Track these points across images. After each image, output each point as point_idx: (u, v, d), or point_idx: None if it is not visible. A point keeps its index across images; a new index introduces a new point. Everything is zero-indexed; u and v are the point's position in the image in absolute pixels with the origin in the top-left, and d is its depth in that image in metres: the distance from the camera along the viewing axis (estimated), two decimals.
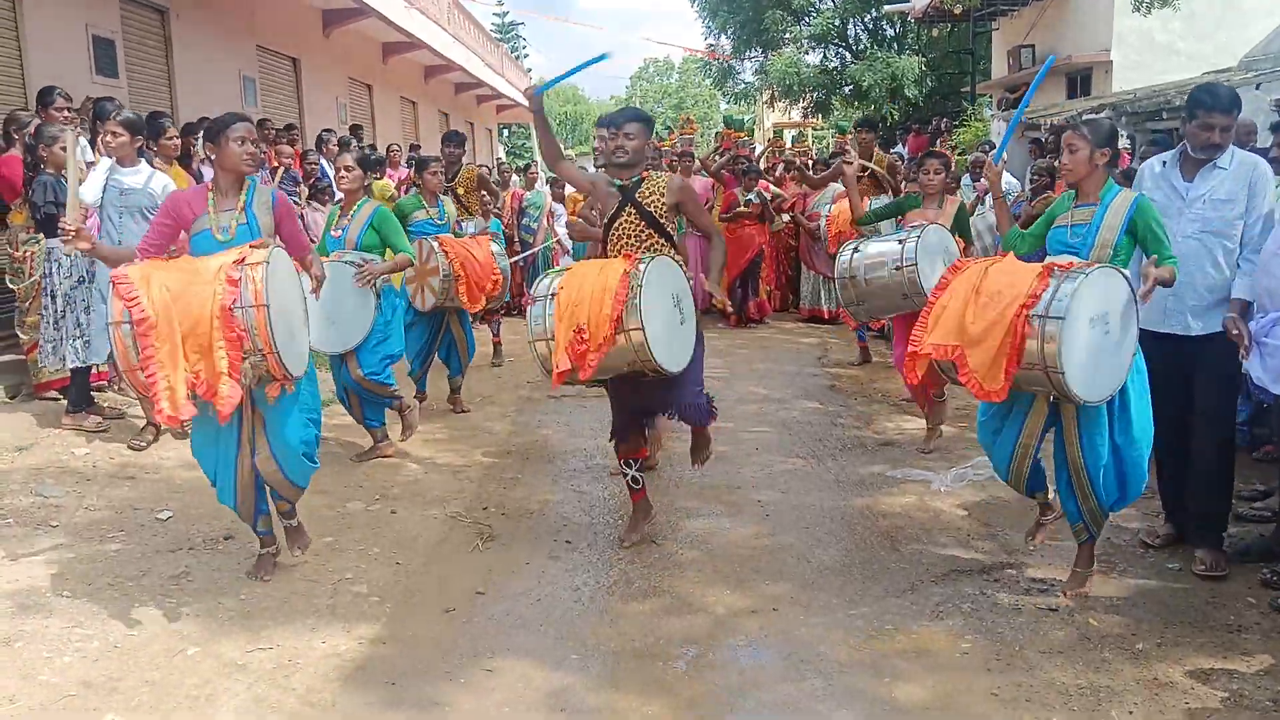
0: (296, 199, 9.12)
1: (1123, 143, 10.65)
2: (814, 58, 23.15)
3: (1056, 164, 6.92)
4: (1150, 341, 3.91)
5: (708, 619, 3.85)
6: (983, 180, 10.63)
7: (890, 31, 23.40)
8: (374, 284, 5.53)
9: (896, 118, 20.47)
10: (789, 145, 17.62)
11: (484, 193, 8.71)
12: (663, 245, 4.44)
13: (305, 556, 4.27)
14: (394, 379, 5.85)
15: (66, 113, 6.45)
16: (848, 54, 23.27)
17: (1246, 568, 4.11)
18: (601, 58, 4.68)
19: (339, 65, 16.20)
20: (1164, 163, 4.22)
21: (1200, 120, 3.97)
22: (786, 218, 11.25)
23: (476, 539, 4.66)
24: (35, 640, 3.60)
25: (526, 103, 5.02)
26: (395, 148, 12.71)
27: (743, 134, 13.98)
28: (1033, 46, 17.73)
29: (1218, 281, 4.02)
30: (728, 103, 31.52)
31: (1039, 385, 3.73)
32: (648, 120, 4.57)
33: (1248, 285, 3.88)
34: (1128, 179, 4.76)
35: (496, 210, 9.82)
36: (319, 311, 4.42)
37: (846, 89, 22.31)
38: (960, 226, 5.98)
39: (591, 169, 12.24)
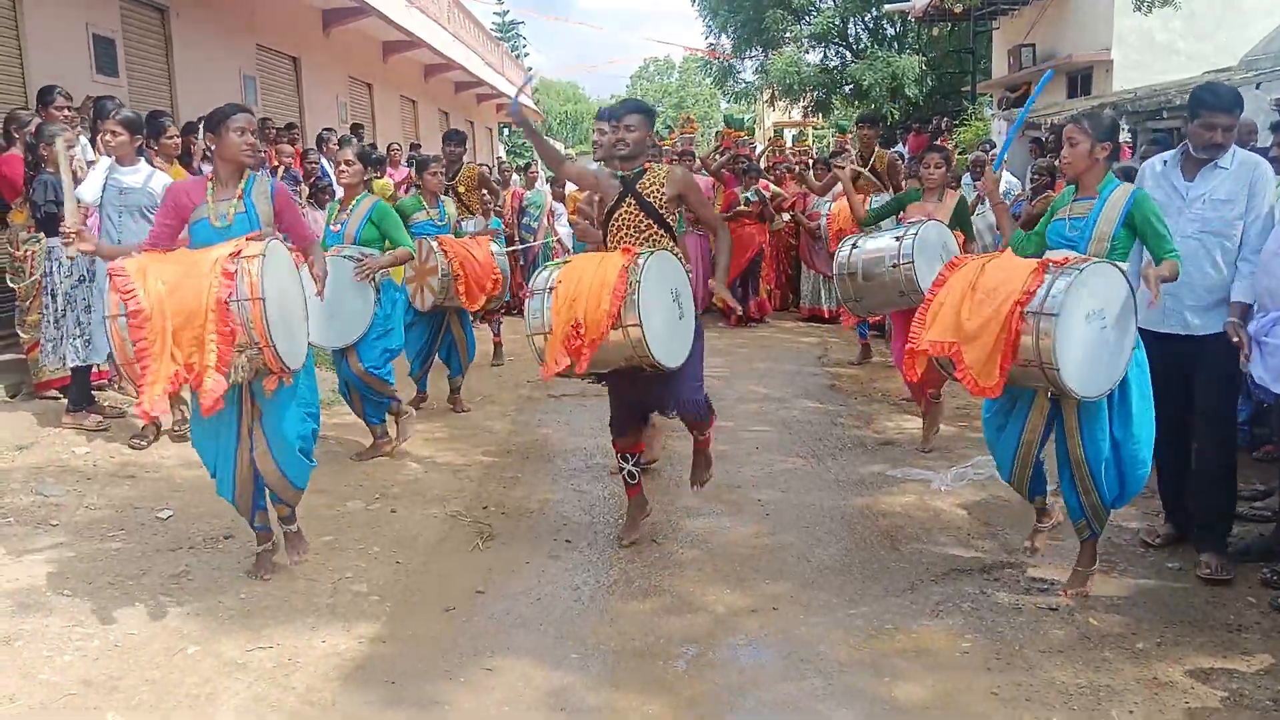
0: (297, 198, 9.11)
1: (1124, 137, 10.66)
2: (814, 57, 23.18)
3: (1057, 163, 6.92)
4: (1150, 341, 3.90)
5: (708, 618, 3.85)
6: (983, 181, 10.65)
7: (891, 30, 23.41)
8: (373, 278, 5.53)
9: (897, 117, 20.49)
10: (789, 145, 17.61)
11: (485, 191, 8.70)
12: (662, 237, 4.40)
13: (305, 556, 4.27)
14: (394, 378, 5.84)
15: (67, 112, 6.45)
16: (848, 53, 23.29)
17: (1246, 567, 4.10)
18: (529, 79, 4.98)
19: (339, 64, 16.20)
20: (1165, 162, 4.22)
21: (1203, 120, 3.97)
22: (787, 217, 11.25)
23: (476, 538, 4.66)
24: (35, 639, 3.60)
25: (527, 104, 5.06)
26: (395, 147, 12.71)
27: (743, 133, 13.98)
28: (1033, 46, 17.74)
29: (1216, 281, 4.01)
30: (728, 102, 31.54)
31: (1036, 381, 3.74)
32: (648, 111, 4.53)
33: (1247, 287, 3.87)
34: (1128, 175, 4.75)
35: (497, 209, 9.82)
36: (319, 306, 4.41)
37: (847, 88, 22.33)
38: (961, 220, 5.96)
39: (590, 166, 12.24)
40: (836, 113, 23.27)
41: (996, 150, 11.89)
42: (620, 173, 4.44)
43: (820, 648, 3.59)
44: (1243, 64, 11.00)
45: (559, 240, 11.54)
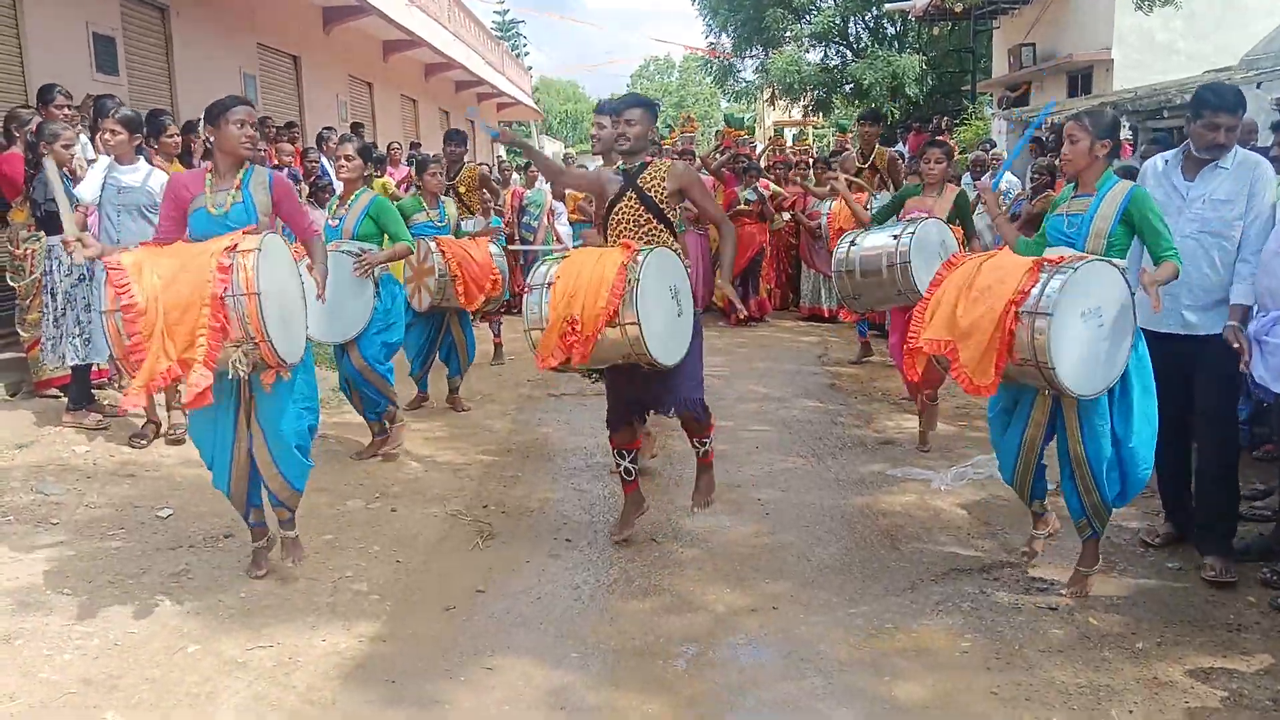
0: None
1: (1124, 134, 10.65)
2: (815, 56, 23.19)
3: (1057, 162, 6.92)
4: (1149, 341, 3.90)
5: (708, 617, 3.85)
6: (983, 180, 10.65)
7: (891, 30, 23.42)
8: (372, 273, 5.53)
9: (897, 116, 20.48)
10: (790, 144, 17.62)
11: (485, 192, 8.70)
12: (661, 232, 4.36)
13: (300, 563, 4.20)
14: (394, 377, 5.84)
15: (67, 110, 6.44)
16: (848, 52, 23.30)
17: (1246, 567, 4.10)
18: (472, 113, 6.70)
19: (339, 63, 16.20)
20: (1165, 161, 4.22)
21: (1206, 120, 3.96)
22: (787, 216, 11.25)
23: (476, 537, 4.66)
24: (35, 638, 3.60)
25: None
26: (396, 146, 12.71)
27: (743, 132, 13.99)
28: (1034, 45, 17.73)
29: (1215, 282, 4.01)
30: (728, 101, 31.54)
31: (1033, 380, 3.75)
32: (649, 105, 4.47)
33: (1247, 289, 3.86)
34: (1129, 174, 4.75)
35: (498, 208, 9.82)
36: (318, 303, 4.39)
37: (847, 87, 22.33)
38: (961, 214, 5.96)
39: (591, 165, 12.25)
40: (837, 112, 23.28)
41: (997, 151, 11.90)
42: (622, 165, 4.42)
43: (820, 647, 3.59)
44: (1243, 63, 10.99)
45: (559, 239, 11.55)
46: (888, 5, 21.40)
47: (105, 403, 6.28)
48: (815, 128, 28.50)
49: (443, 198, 6.98)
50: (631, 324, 3.97)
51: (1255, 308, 3.81)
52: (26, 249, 6.00)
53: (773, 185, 11.25)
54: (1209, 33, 15.43)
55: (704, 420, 4.52)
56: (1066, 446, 3.89)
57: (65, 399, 6.15)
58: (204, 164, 4.43)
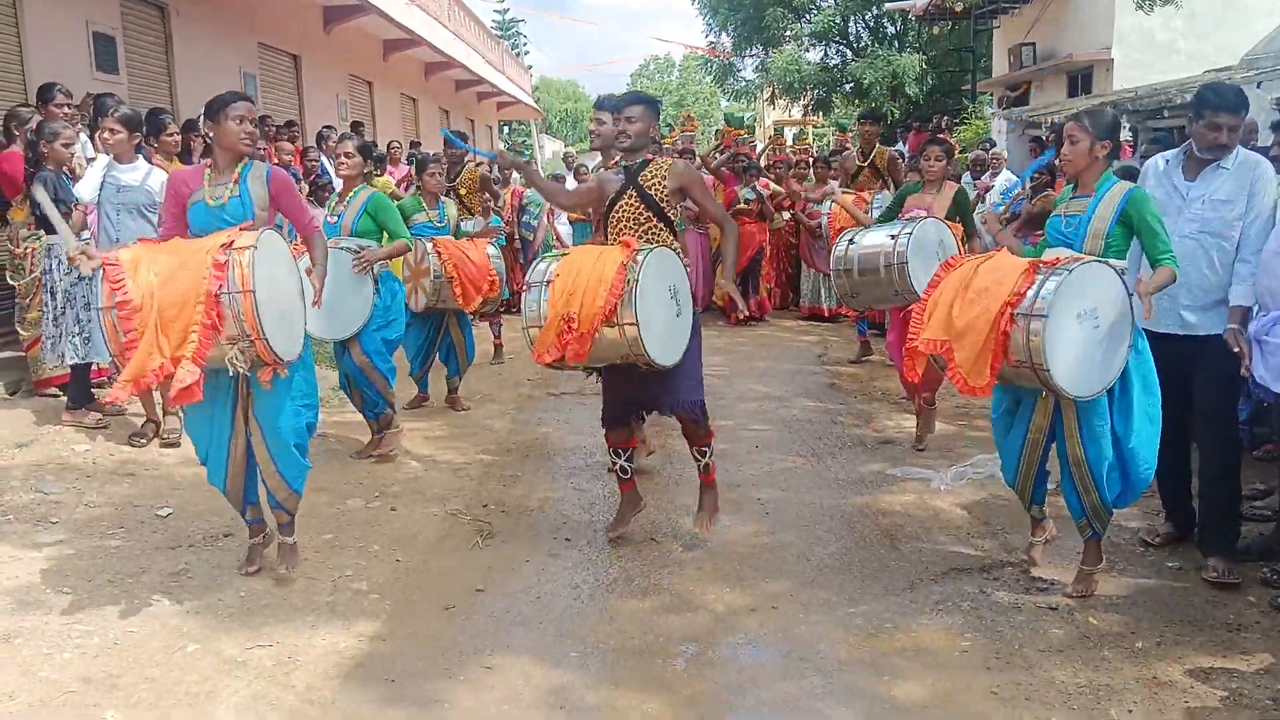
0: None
1: (1125, 134, 10.65)
2: (815, 55, 23.21)
3: (1057, 162, 6.93)
4: (1149, 341, 3.90)
5: (707, 617, 3.85)
6: (983, 179, 10.65)
7: (891, 29, 23.43)
8: (371, 269, 5.53)
9: (897, 115, 20.49)
10: (790, 143, 17.61)
11: (486, 194, 8.70)
12: (661, 230, 4.34)
13: (294, 571, 4.15)
14: (395, 378, 5.83)
15: (66, 109, 6.44)
16: (849, 51, 23.31)
17: (1246, 567, 4.10)
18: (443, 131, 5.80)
19: (339, 62, 16.19)
20: (1167, 160, 4.21)
21: (1208, 120, 3.95)
22: (787, 215, 11.25)
23: (476, 536, 4.66)
24: (35, 637, 3.60)
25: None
26: (396, 145, 12.71)
27: (743, 131, 13.97)
28: (1034, 45, 17.74)
29: (1214, 282, 4.00)
30: (728, 100, 31.53)
31: (1030, 382, 3.75)
32: (650, 102, 4.44)
33: (1247, 290, 3.85)
34: (1130, 175, 4.75)
35: (498, 210, 9.82)
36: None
37: (847, 86, 22.35)
38: (961, 212, 5.95)
39: (591, 163, 12.25)
40: (837, 111, 23.28)
41: (997, 150, 11.89)
42: (625, 163, 4.42)
43: (820, 646, 3.59)
44: (1243, 63, 10.99)
45: (559, 239, 11.55)
46: (888, 4, 21.40)
47: (105, 402, 6.28)
48: (815, 127, 28.49)
49: (443, 198, 6.98)
50: (630, 324, 3.95)
51: (1255, 308, 3.81)
52: (26, 247, 5.99)
53: (772, 184, 11.25)
54: (1209, 32, 15.43)
55: (701, 421, 4.45)
56: (1065, 448, 3.89)
57: (65, 398, 6.15)
58: (203, 161, 4.43)
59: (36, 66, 8.46)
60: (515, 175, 13.11)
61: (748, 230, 10.55)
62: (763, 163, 12.10)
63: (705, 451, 4.49)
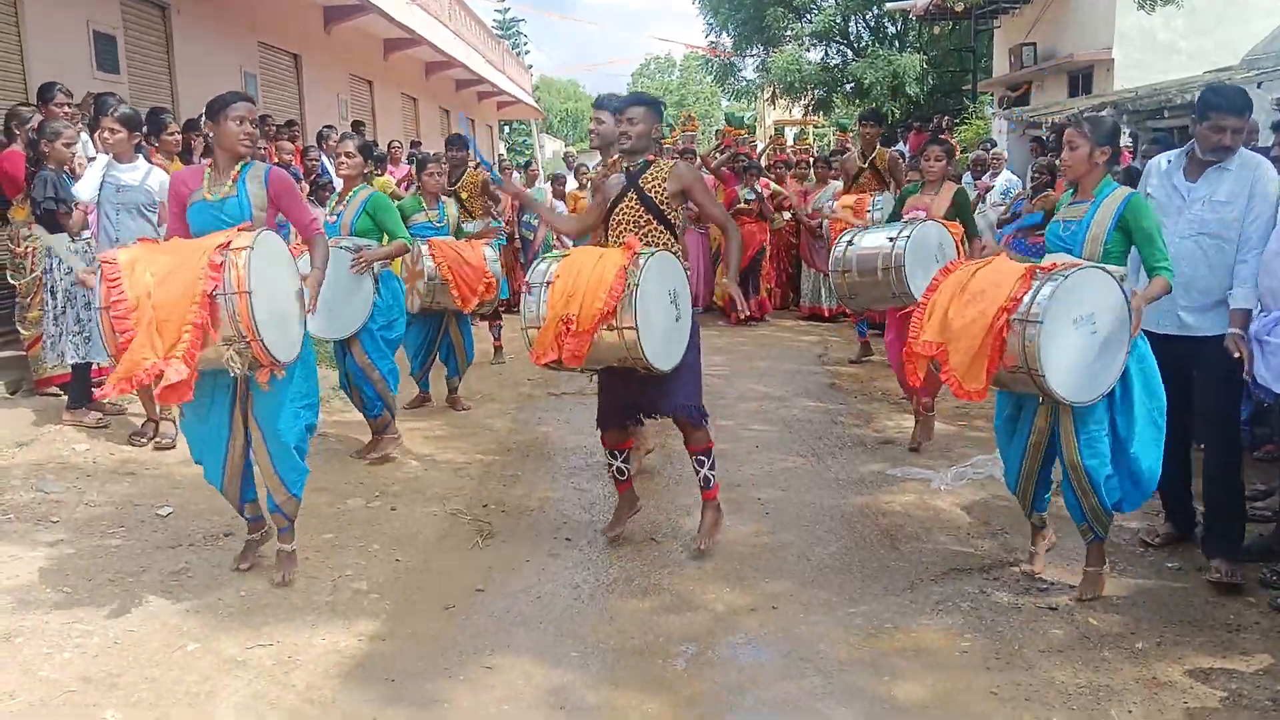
0: None
1: (1124, 140, 10.65)
2: (815, 55, 23.21)
3: (1057, 162, 6.92)
4: (1149, 343, 3.90)
5: (707, 617, 3.85)
6: (983, 179, 10.65)
7: (892, 29, 23.43)
8: (370, 269, 5.53)
9: (898, 115, 20.50)
10: (790, 143, 17.61)
11: (487, 199, 8.69)
12: (662, 233, 4.33)
13: (290, 579, 4.09)
14: (398, 380, 5.82)
15: (67, 108, 6.44)
16: (849, 51, 23.31)
17: (1247, 567, 4.10)
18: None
19: (340, 62, 16.20)
20: (1169, 161, 4.21)
21: (1211, 122, 3.94)
22: (788, 215, 11.25)
23: (476, 536, 4.66)
24: (35, 636, 3.60)
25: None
26: (396, 144, 12.71)
27: (744, 131, 13.97)
28: (1034, 44, 17.74)
29: (1213, 283, 4.00)
30: (729, 100, 31.50)
31: (1026, 387, 3.76)
32: (652, 104, 4.42)
33: (1249, 293, 3.84)
34: (1130, 179, 4.74)
35: (498, 215, 9.83)
36: (319, 298, 4.36)
37: (848, 86, 22.36)
38: (961, 212, 5.95)
39: (591, 163, 12.25)
40: (837, 111, 23.29)
41: (997, 150, 11.89)
42: (626, 164, 4.40)
43: (820, 646, 3.59)
44: (1244, 63, 10.99)
45: (559, 239, 11.52)
46: (889, 4, 21.39)
47: (105, 401, 6.28)
48: (816, 127, 28.50)
49: (443, 198, 6.97)
50: (629, 328, 3.94)
51: (1257, 308, 3.80)
52: (27, 246, 6.00)
53: (773, 184, 11.25)
54: (1209, 31, 15.41)
55: (699, 424, 4.37)
56: (1063, 454, 3.89)
57: (65, 397, 6.15)
58: (204, 161, 4.43)
59: (37, 66, 8.46)
60: (516, 175, 13.17)
61: (748, 230, 10.55)
62: (763, 163, 12.09)
63: (704, 461, 4.41)
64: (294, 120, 12.16)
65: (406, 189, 9.24)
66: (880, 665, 3.46)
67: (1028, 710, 3.16)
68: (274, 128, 10.19)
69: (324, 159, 10.13)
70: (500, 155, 26.15)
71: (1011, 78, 18.42)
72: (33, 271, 6.00)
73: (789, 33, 22.45)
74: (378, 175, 9.61)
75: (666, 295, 4.16)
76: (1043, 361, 3.57)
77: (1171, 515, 4.47)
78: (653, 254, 4.10)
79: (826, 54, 23.45)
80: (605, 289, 3.92)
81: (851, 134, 11.39)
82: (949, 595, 3.97)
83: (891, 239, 5.57)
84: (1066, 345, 3.61)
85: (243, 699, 3.23)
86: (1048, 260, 3.86)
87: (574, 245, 6.02)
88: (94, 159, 5.98)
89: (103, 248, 5.51)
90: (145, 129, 6.46)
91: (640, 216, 4.33)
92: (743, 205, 10.64)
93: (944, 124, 16.13)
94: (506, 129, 37.21)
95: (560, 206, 11.71)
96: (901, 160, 9.27)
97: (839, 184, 9.90)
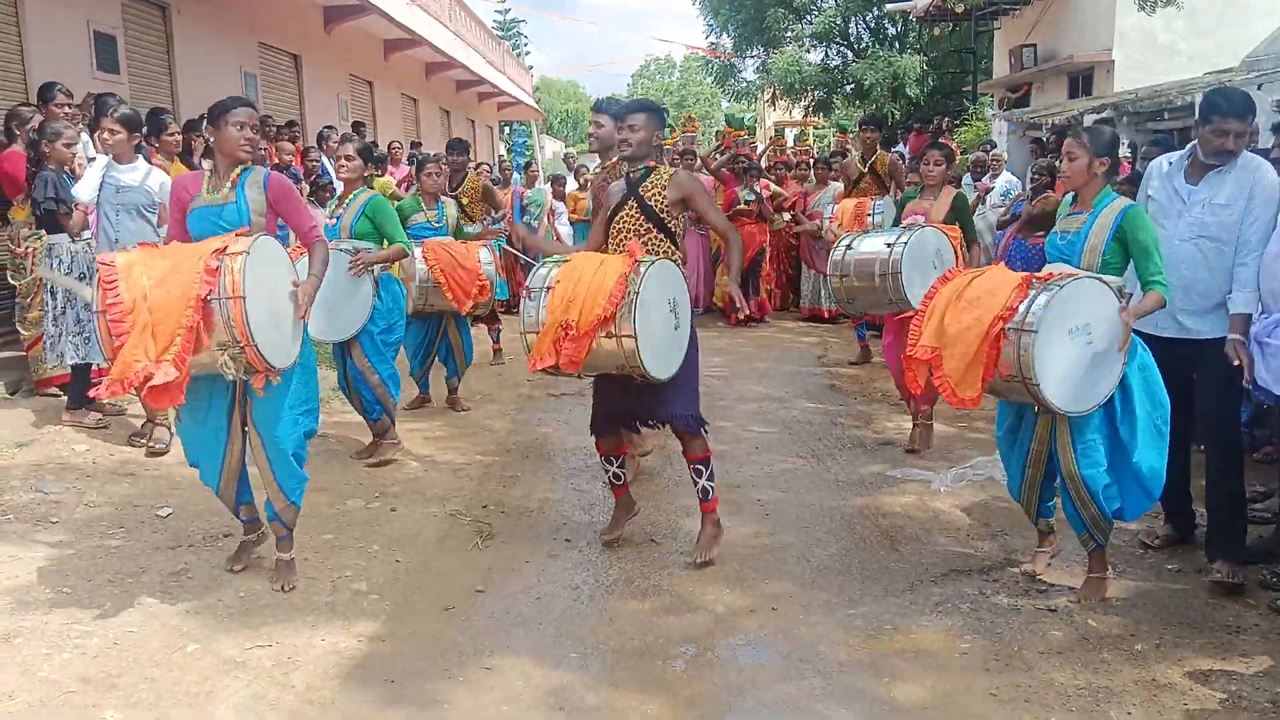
0: None
1: (1123, 151, 10.64)
2: (815, 56, 23.22)
3: (1057, 163, 6.93)
4: (1148, 345, 3.90)
5: (707, 618, 3.85)
6: (983, 180, 10.65)
7: (892, 30, 23.45)
8: (370, 272, 5.53)
9: (898, 117, 20.51)
10: (790, 144, 17.62)
11: (488, 204, 8.70)
12: (662, 241, 4.31)
13: (289, 587, 4.07)
14: (399, 385, 5.82)
15: (67, 109, 6.44)
16: (849, 52, 23.33)
17: (1246, 569, 4.10)
18: None
19: (340, 62, 16.20)
20: (1170, 163, 4.20)
21: (1214, 125, 3.93)
22: (787, 216, 11.25)
23: (476, 537, 4.66)
24: (35, 636, 3.60)
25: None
26: (396, 145, 12.72)
27: (744, 132, 13.99)
28: (1034, 46, 17.74)
29: (1213, 286, 3.99)
30: (729, 101, 31.54)
31: (1020, 396, 3.76)
32: (654, 110, 4.41)
33: (1249, 297, 3.84)
34: (1132, 184, 4.74)
35: (498, 218, 9.84)
36: (319, 300, 4.37)
37: (848, 88, 22.37)
38: (960, 217, 5.94)
39: (591, 165, 12.26)
40: (837, 112, 23.31)
41: (997, 152, 11.89)
42: (626, 171, 4.40)
43: (819, 648, 3.59)
44: (1244, 64, 10.99)
45: (559, 239, 11.55)
46: (889, 6, 21.41)
47: (105, 402, 6.28)
48: (816, 128, 28.51)
49: (442, 198, 6.97)
50: (628, 336, 3.92)
51: (1258, 310, 3.80)
52: (27, 247, 6.00)
53: (773, 186, 11.25)
54: (1210, 33, 15.42)
55: (696, 433, 4.31)
56: (1060, 463, 3.88)
57: (65, 397, 6.15)
58: (205, 163, 4.44)
59: (37, 66, 8.46)
60: (516, 176, 13.17)
61: (748, 231, 10.55)
62: (763, 164, 12.10)
63: (702, 470, 4.33)
64: (294, 121, 12.17)
65: (407, 190, 9.24)
66: (880, 666, 3.46)
67: (1027, 712, 3.16)
68: (274, 128, 10.19)
69: (324, 160, 10.14)
70: (501, 156, 26.15)
71: (1012, 79, 18.43)
72: (33, 272, 6.00)
73: (789, 34, 22.46)
74: (378, 176, 9.62)
75: (666, 304, 4.14)
76: (1037, 371, 3.58)
77: (1171, 517, 4.47)
78: (654, 262, 4.08)
79: (827, 55, 23.46)
80: (605, 295, 3.90)
81: (851, 136, 11.39)
82: (949, 597, 3.98)
83: (889, 245, 5.57)
84: (1061, 355, 3.62)
85: (242, 700, 3.23)
86: (1045, 270, 3.86)
87: (574, 245, 6.02)
88: (94, 159, 5.98)
89: (102, 248, 5.51)
90: (145, 129, 6.45)
91: (640, 225, 4.32)
92: (742, 206, 10.64)
93: (944, 125, 16.12)
94: (506, 130, 37.15)
95: (560, 207, 11.72)
96: (902, 162, 9.26)
97: (839, 185, 9.90)
